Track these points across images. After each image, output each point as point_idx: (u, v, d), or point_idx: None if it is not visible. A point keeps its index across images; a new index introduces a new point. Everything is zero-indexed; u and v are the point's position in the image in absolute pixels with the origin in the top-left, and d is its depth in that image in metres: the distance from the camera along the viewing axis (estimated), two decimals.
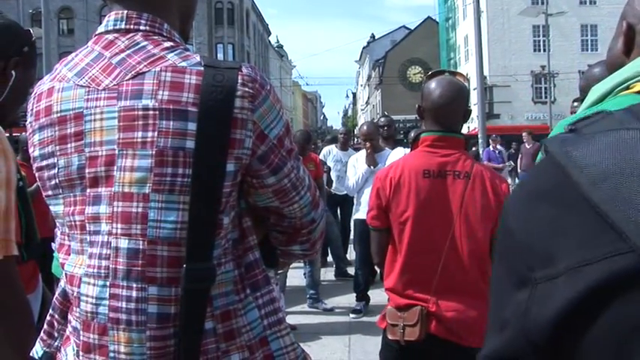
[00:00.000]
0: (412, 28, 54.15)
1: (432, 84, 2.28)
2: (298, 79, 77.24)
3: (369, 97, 71.48)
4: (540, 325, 0.55)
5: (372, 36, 68.86)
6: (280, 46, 78.51)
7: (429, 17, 51.91)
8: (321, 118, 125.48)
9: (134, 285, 0.98)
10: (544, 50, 30.36)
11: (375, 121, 6.97)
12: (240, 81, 1.01)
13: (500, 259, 0.65)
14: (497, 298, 0.65)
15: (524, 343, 0.57)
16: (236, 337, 1.03)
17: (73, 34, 40.41)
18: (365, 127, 5.72)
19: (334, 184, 7.04)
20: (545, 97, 31.69)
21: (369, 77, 67.03)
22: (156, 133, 0.97)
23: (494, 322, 0.64)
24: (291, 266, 5.23)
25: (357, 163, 5.66)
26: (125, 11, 1.07)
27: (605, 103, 1.17)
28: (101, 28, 1.10)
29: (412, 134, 3.79)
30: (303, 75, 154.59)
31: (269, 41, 67.01)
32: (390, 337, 2.24)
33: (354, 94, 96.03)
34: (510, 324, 0.59)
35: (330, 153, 7.36)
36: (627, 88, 1.15)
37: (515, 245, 0.61)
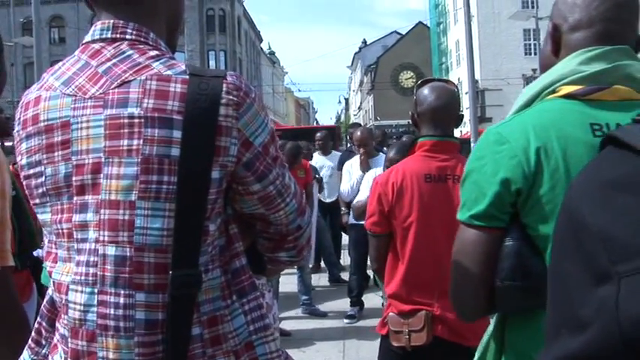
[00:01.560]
0: (403, 33, 54.40)
1: (426, 90, 2.32)
2: (291, 85, 77.66)
3: (361, 103, 71.59)
4: (637, 321, 0.51)
5: (364, 41, 69.05)
6: (272, 53, 78.51)
7: (420, 22, 52.14)
8: (314, 124, 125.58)
9: (122, 292, 0.98)
10: (535, 54, 30.55)
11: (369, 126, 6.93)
12: (224, 89, 1.02)
13: (567, 255, 0.61)
14: (565, 297, 0.60)
15: (616, 342, 0.53)
16: (222, 343, 1.04)
17: (64, 42, 40.33)
18: (359, 133, 5.67)
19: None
20: None
21: (362, 83, 67.14)
22: (141, 141, 0.98)
23: (564, 323, 0.58)
24: (284, 272, 5.22)
25: (352, 169, 5.64)
26: (112, 20, 1.08)
27: (533, 107, 1.17)
28: (88, 37, 1.10)
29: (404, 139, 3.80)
30: (295, 81, 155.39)
31: (261, 48, 67.03)
32: (394, 343, 2.24)
33: (347, 100, 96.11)
34: (594, 324, 0.54)
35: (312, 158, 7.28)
36: (554, 91, 1.16)
37: (591, 238, 0.56)
